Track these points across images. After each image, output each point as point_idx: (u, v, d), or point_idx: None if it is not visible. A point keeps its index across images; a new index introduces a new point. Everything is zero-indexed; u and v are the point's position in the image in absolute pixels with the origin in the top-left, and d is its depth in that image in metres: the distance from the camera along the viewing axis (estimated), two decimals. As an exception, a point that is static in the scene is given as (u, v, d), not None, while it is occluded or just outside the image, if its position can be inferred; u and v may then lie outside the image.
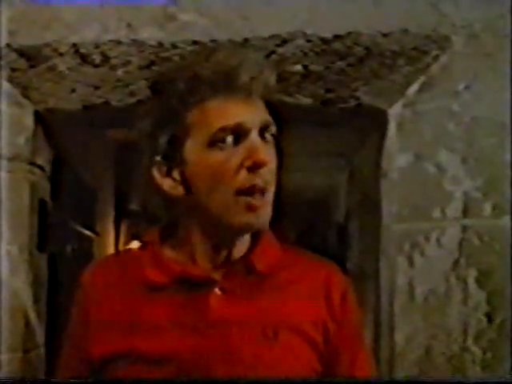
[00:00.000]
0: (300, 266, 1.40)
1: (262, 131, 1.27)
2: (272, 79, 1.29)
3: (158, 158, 1.31)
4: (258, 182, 1.24)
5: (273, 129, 1.29)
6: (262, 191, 1.25)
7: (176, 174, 1.30)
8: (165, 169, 1.31)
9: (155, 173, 1.31)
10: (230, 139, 1.24)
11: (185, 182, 1.29)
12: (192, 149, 1.27)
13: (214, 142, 1.24)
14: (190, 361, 1.27)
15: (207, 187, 1.26)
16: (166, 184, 1.31)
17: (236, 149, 1.25)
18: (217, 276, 1.32)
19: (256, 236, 1.38)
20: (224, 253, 1.33)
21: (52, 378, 1.53)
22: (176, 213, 1.38)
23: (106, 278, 1.39)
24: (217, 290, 1.31)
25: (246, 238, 1.36)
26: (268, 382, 1.30)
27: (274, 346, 1.30)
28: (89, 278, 1.42)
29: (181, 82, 1.27)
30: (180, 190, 1.30)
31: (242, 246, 1.35)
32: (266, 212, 1.27)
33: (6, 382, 2.00)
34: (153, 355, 1.28)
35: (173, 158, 1.30)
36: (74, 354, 1.41)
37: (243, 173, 1.24)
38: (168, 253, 1.36)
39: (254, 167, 1.24)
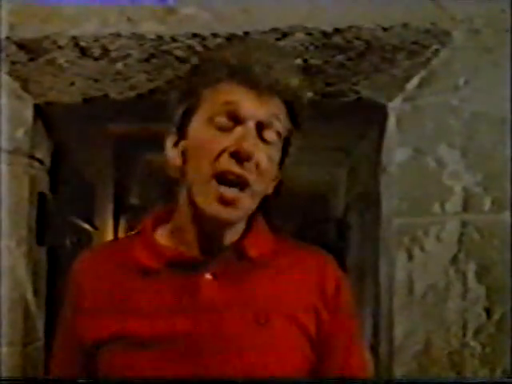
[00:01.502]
0: (293, 255, 1.41)
1: (261, 126, 1.27)
2: (294, 81, 1.31)
3: (173, 129, 1.36)
4: (236, 170, 1.25)
5: (278, 128, 1.29)
6: (241, 185, 1.26)
7: (180, 146, 1.34)
8: (175, 139, 1.36)
9: (167, 142, 1.37)
10: (225, 121, 1.27)
11: (183, 154, 1.33)
12: (195, 123, 1.31)
13: (212, 119, 1.27)
14: (181, 344, 1.28)
15: (194, 164, 1.29)
16: (171, 154, 1.36)
17: (228, 133, 1.26)
18: (208, 261, 1.32)
19: (250, 223, 1.38)
20: (214, 239, 1.33)
21: (51, 377, 1.52)
22: (171, 199, 1.40)
23: (98, 263, 1.41)
24: (208, 275, 1.31)
25: (239, 224, 1.36)
26: (268, 382, 1.31)
27: (265, 331, 1.30)
28: (81, 265, 1.44)
29: (205, 62, 1.34)
30: (178, 162, 1.34)
31: (233, 232, 1.35)
32: (239, 208, 1.27)
33: (6, 381, 2.01)
34: (144, 338, 1.28)
35: (182, 130, 1.34)
36: (66, 340, 1.42)
37: (225, 157, 1.25)
38: (160, 239, 1.38)
39: (237, 156, 1.24)
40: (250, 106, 1.26)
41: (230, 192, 1.25)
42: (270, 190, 1.36)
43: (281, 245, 1.42)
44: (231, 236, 1.35)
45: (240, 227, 1.37)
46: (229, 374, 1.27)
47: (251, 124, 1.26)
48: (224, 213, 1.26)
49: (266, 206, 1.39)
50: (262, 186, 1.29)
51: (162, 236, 1.39)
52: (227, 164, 1.25)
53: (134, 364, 1.29)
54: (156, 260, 1.33)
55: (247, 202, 1.28)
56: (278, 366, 1.31)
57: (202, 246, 1.34)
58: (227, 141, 1.25)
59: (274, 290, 1.34)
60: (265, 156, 1.27)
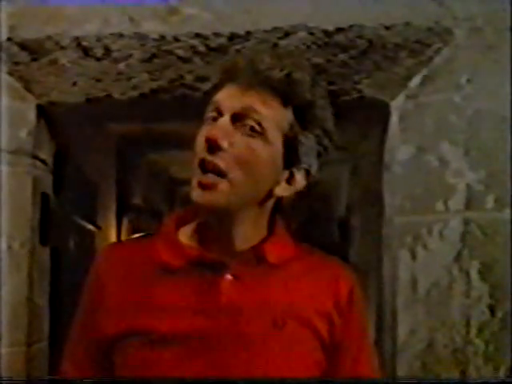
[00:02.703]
0: (310, 261, 1.43)
1: (236, 118, 1.29)
2: (297, 76, 1.31)
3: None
4: (208, 158, 1.27)
5: (258, 120, 1.29)
6: (217, 172, 1.28)
7: None
8: None
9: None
10: (212, 115, 1.31)
11: None
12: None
13: (206, 116, 1.33)
14: (199, 343, 1.29)
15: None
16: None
17: (209, 124, 1.31)
18: (229, 262, 1.33)
19: (271, 227, 1.40)
20: (224, 237, 1.35)
21: (55, 377, 1.53)
22: (173, 199, 1.43)
23: (121, 258, 1.42)
24: (228, 276, 1.32)
25: (259, 228, 1.37)
26: (268, 382, 1.31)
27: (281, 334, 1.32)
28: (102, 260, 1.44)
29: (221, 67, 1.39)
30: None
31: (251, 235, 1.36)
32: (218, 192, 1.28)
33: (7, 381, 2.01)
34: (162, 335, 1.30)
35: None
36: (83, 335, 1.43)
37: (201, 146, 1.29)
38: (182, 239, 1.39)
39: (208, 144, 1.27)
40: (228, 99, 1.30)
41: (206, 178, 1.28)
42: (280, 192, 1.36)
43: (299, 250, 1.43)
44: (249, 238, 1.36)
45: (261, 231, 1.38)
46: (242, 375, 1.28)
47: (227, 116, 1.29)
48: (203, 197, 1.28)
49: (285, 210, 1.41)
50: (242, 175, 1.29)
51: (184, 236, 1.40)
52: (202, 152, 1.28)
53: (149, 361, 1.30)
54: (178, 258, 1.34)
55: (225, 188, 1.28)
56: (291, 370, 1.32)
57: (220, 247, 1.35)
58: (207, 130, 1.29)
59: (291, 294, 1.35)
60: (243, 146, 1.28)
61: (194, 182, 1.29)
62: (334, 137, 1.37)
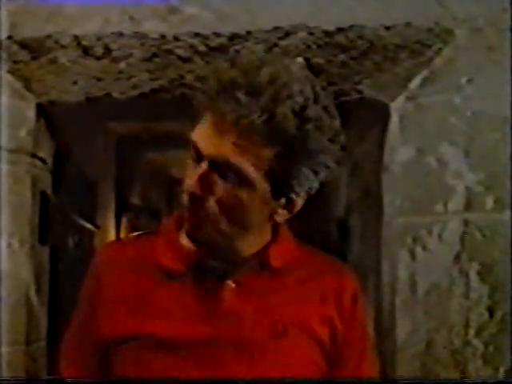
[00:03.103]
0: (314, 266, 1.41)
1: (214, 165, 1.21)
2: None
3: None
4: (194, 210, 1.24)
5: (234, 169, 1.20)
6: (202, 227, 1.25)
7: None
8: None
9: None
10: (193, 156, 1.24)
11: None
12: None
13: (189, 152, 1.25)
14: (198, 349, 1.28)
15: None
16: None
17: (194, 166, 1.24)
18: (231, 269, 1.32)
19: (275, 232, 1.38)
20: (231, 249, 1.32)
21: (54, 377, 1.52)
22: (172, 198, 1.41)
23: (121, 259, 1.40)
24: (231, 283, 1.31)
25: (262, 233, 1.35)
26: (268, 382, 1.31)
27: (282, 342, 1.31)
28: (104, 258, 1.44)
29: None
30: None
31: (255, 241, 1.34)
32: (210, 233, 1.26)
33: (7, 381, 2.01)
34: (162, 340, 1.29)
35: None
36: (82, 335, 1.42)
37: (184, 196, 1.24)
38: (184, 241, 1.35)
39: (189, 197, 1.23)
40: (205, 144, 1.21)
41: (194, 220, 1.25)
42: (280, 219, 1.31)
43: (302, 254, 1.41)
44: (252, 244, 1.34)
45: (264, 236, 1.36)
46: (241, 382, 1.28)
47: (205, 164, 1.21)
48: (196, 234, 1.28)
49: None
50: (228, 224, 1.25)
51: (186, 238, 1.35)
52: (186, 202, 1.24)
53: (148, 366, 1.29)
54: (179, 263, 1.33)
55: (215, 235, 1.26)
56: (292, 376, 1.32)
57: (221, 252, 1.33)
58: (189, 177, 1.24)
59: (293, 300, 1.35)
60: (226, 195, 1.22)
61: (186, 217, 1.26)
62: (343, 143, 1.30)
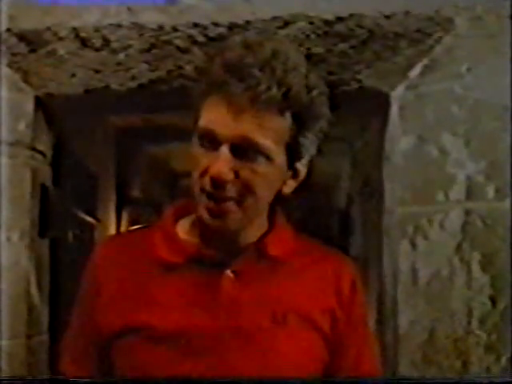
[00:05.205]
0: (312, 255, 1.42)
1: (235, 148, 1.22)
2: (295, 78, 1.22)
3: None
4: (216, 194, 1.23)
5: (255, 148, 1.22)
6: (229, 202, 1.25)
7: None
8: None
9: None
10: (208, 144, 1.24)
11: None
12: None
13: (198, 140, 1.26)
14: (197, 340, 1.28)
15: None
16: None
17: (209, 153, 1.24)
18: (229, 258, 1.32)
19: (271, 221, 1.39)
20: (229, 237, 1.33)
21: (54, 376, 1.52)
22: (173, 191, 1.40)
23: (120, 253, 1.41)
24: (229, 273, 1.32)
25: (260, 222, 1.36)
26: (269, 382, 1.31)
27: (282, 330, 1.31)
28: (102, 252, 1.44)
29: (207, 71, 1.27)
30: None
31: (253, 231, 1.35)
32: (229, 219, 1.26)
33: (7, 381, 2.01)
34: (161, 332, 1.29)
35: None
36: (81, 327, 1.42)
37: (206, 179, 1.24)
38: (181, 233, 1.38)
39: (211, 182, 1.22)
40: (223, 127, 1.21)
41: (216, 207, 1.25)
42: (287, 190, 1.34)
43: (300, 243, 1.42)
44: (250, 233, 1.35)
45: (262, 225, 1.37)
46: (242, 372, 1.28)
47: (225, 148, 1.21)
48: (215, 224, 1.27)
49: (286, 204, 1.39)
50: (252, 200, 1.26)
51: (183, 229, 1.39)
52: (208, 187, 1.23)
53: (149, 357, 1.30)
54: (177, 255, 1.33)
55: (238, 216, 1.27)
56: (292, 366, 1.32)
57: (221, 241, 1.33)
58: (205, 163, 1.24)
59: (292, 289, 1.35)
60: (248, 173, 1.23)
61: (202, 206, 1.26)
62: (331, 119, 1.32)
